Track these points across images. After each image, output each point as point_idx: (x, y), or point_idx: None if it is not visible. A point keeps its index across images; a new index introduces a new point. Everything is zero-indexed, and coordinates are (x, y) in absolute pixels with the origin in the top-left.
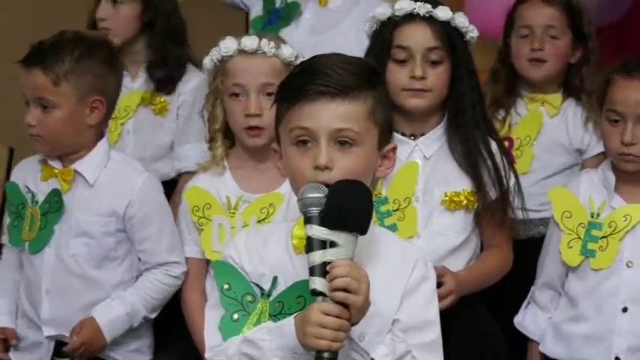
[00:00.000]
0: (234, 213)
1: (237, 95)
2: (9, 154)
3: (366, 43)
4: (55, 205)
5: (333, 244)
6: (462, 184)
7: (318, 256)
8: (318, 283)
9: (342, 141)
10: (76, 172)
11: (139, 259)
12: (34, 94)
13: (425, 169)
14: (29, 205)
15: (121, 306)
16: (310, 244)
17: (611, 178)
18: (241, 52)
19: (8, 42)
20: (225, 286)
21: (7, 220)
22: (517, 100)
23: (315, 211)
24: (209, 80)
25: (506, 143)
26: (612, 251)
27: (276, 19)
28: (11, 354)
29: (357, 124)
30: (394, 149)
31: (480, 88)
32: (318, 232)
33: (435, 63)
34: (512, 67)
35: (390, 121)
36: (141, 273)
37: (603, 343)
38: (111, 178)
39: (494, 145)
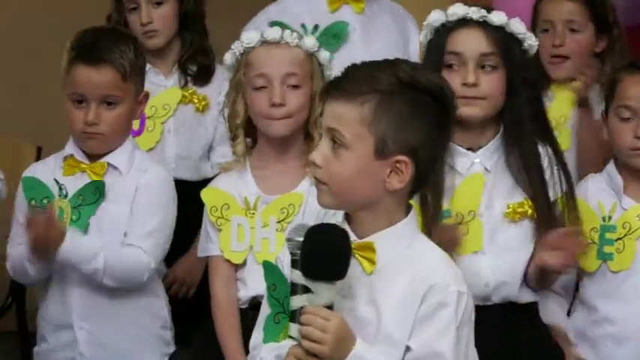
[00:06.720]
0: (253, 213)
1: (260, 88)
2: (37, 152)
3: None
4: (91, 196)
5: (309, 290)
6: (524, 193)
7: (295, 301)
8: (292, 329)
9: (334, 140)
10: (108, 164)
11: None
12: (99, 92)
13: (487, 182)
14: (57, 199)
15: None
16: (293, 288)
17: (619, 180)
18: (264, 42)
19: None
20: (272, 287)
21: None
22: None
23: (298, 254)
24: (230, 75)
25: None
26: (630, 252)
27: None
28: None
29: (347, 127)
30: (406, 163)
31: (541, 100)
32: (297, 277)
33: (489, 70)
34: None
35: (404, 135)
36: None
37: (631, 342)
38: (137, 171)
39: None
